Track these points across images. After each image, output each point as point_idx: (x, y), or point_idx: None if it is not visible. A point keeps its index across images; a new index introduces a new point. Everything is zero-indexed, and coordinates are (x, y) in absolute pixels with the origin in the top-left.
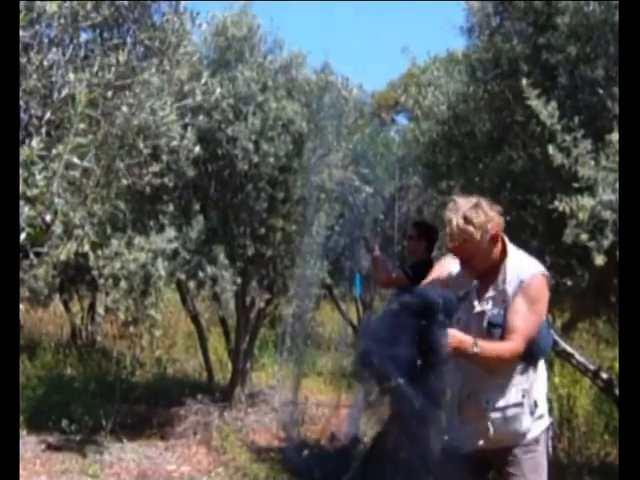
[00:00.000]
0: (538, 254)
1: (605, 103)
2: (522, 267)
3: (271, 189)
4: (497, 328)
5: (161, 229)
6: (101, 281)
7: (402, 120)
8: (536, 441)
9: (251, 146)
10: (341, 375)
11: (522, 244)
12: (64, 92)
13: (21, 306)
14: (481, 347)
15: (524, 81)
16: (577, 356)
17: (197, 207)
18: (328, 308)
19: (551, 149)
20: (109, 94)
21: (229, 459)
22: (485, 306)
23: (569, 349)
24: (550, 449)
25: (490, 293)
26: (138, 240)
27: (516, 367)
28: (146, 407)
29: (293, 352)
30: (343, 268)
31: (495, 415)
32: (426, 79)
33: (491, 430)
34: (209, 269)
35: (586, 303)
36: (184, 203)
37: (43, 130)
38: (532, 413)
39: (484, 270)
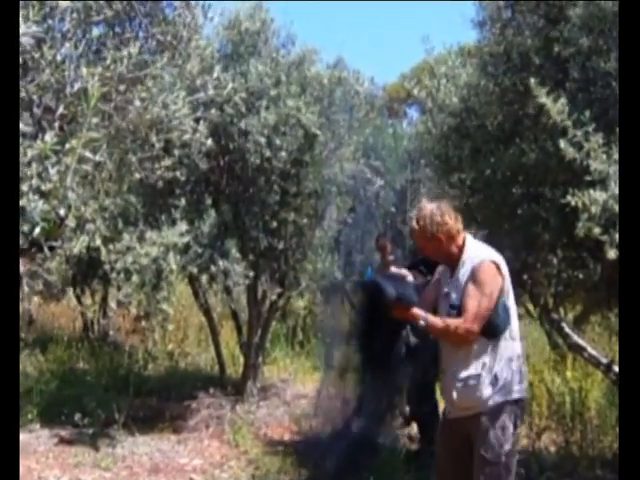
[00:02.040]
0: (550, 247)
1: (617, 96)
2: (474, 256)
3: (283, 182)
4: (454, 309)
5: (173, 223)
6: (113, 275)
7: (413, 113)
8: (499, 411)
9: (263, 140)
10: (353, 368)
11: (534, 237)
12: (77, 86)
13: (34, 300)
14: (429, 320)
15: (532, 80)
16: (589, 349)
17: (209, 201)
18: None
19: (562, 143)
20: (121, 88)
21: (241, 452)
22: (449, 290)
23: (581, 342)
24: (519, 422)
25: (453, 280)
26: (150, 234)
27: (476, 343)
28: (158, 401)
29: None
30: (354, 261)
31: (459, 384)
32: (441, 71)
33: (454, 396)
34: (221, 263)
35: (598, 296)
36: (196, 197)
37: (56, 124)
38: (493, 385)
39: (445, 260)
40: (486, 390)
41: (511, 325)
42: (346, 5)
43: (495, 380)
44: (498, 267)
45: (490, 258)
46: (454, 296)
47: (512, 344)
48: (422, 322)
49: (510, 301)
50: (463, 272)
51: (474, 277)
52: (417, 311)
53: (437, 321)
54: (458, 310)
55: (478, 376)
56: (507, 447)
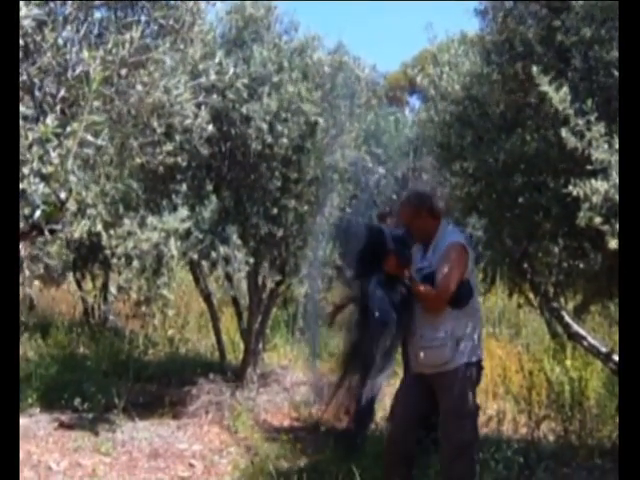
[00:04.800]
0: (551, 236)
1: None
2: (448, 238)
3: (284, 169)
4: (428, 281)
5: (174, 209)
6: (114, 260)
7: (415, 101)
8: (459, 371)
9: (265, 126)
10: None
11: (535, 226)
12: (78, 70)
13: (35, 284)
14: (413, 281)
15: (534, 68)
16: (589, 338)
17: (210, 187)
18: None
19: (564, 132)
20: (123, 72)
21: (241, 438)
22: (423, 264)
23: (581, 331)
24: (476, 381)
25: (428, 256)
26: (151, 220)
27: (443, 311)
28: (158, 386)
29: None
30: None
31: (427, 344)
32: (443, 59)
33: (421, 355)
34: (222, 249)
35: (599, 286)
36: (197, 183)
37: (58, 108)
38: (455, 348)
39: (425, 238)
40: (450, 352)
41: (473, 299)
42: None
43: (458, 344)
44: (466, 250)
45: (460, 242)
46: (428, 270)
47: (473, 315)
48: (407, 280)
49: (473, 279)
50: (438, 250)
51: (447, 256)
52: (406, 271)
53: (419, 284)
54: (431, 282)
55: (443, 339)
56: (471, 402)
